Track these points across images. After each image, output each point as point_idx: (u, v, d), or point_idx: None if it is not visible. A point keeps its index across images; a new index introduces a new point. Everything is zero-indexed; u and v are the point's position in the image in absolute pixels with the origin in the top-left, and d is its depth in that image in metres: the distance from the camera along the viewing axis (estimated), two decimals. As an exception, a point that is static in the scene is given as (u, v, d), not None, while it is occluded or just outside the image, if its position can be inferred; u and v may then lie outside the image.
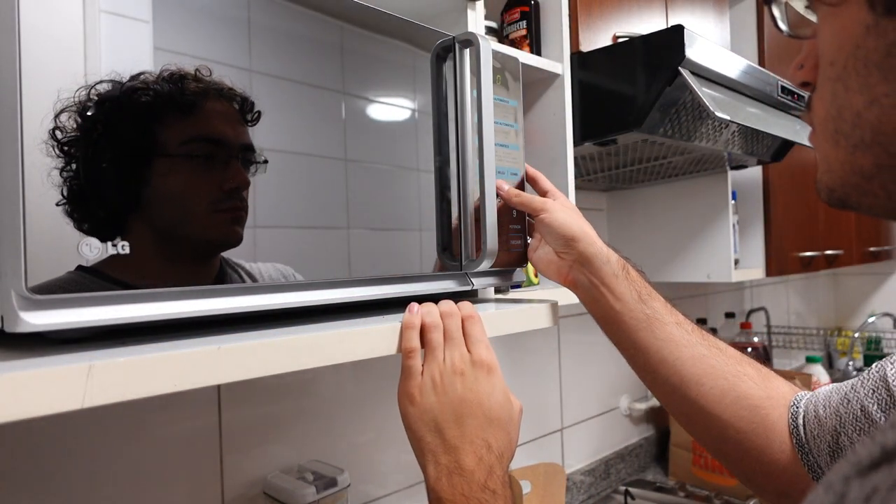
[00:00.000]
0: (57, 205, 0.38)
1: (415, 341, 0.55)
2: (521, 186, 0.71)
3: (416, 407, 0.54)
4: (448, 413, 0.53)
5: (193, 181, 0.45)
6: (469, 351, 0.56)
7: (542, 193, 0.72)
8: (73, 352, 0.40)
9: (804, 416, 0.57)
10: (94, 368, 0.37)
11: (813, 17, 0.37)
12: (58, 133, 0.38)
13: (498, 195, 0.66)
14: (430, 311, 0.57)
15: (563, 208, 0.67)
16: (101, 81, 0.40)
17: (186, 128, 0.45)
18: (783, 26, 0.40)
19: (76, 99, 0.39)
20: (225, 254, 0.48)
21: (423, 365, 0.56)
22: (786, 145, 1.37)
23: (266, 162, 0.49)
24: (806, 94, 0.39)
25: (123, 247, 0.41)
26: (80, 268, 0.39)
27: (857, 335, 2.39)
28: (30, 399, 0.34)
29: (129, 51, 0.42)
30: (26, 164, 0.37)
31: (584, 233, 0.65)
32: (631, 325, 0.64)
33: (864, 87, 0.32)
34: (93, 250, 0.40)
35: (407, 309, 0.57)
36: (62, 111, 0.38)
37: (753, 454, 0.59)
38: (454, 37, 0.65)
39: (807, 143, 1.23)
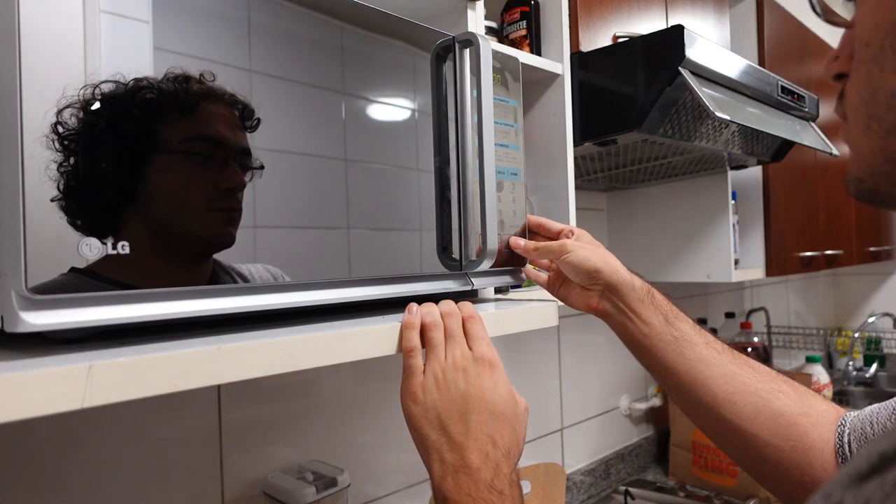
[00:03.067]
0: (52, 200, 0.38)
1: (415, 340, 0.55)
2: (523, 190, 0.71)
3: (420, 405, 0.54)
4: (452, 410, 0.53)
5: (191, 178, 0.46)
6: (470, 348, 0.56)
7: (555, 235, 0.73)
8: (73, 352, 0.40)
9: (849, 435, 0.56)
10: (94, 368, 0.37)
11: (849, 9, 0.36)
12: (59, 128, 0.38)
13: (515, 251, 0.69)
14: (430, 310, 0.57)
15: (581, 245, 0.68)
16: (105, 81, 0.40)
17: (188, 126, 0.45)
18: (819, 10, 0.39)
19: (81, 96, 0.39)
20: (218, 255, 0.48)
21: (424, 364, 0.56)
22: (786, 145, 1.37)
23: (262, 167, 0.50)
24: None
25: (123, 247, 0.41)
26: (73, 269, 0.39)
27: (857, 335, 2.39)
28: (30, 399, 0.34)
29: (129, 51, 0.42)
30: (27, 164, 0.37)
31: (607, 263, 0.67)
32: (660, 347, 0.65)
33: None
34: (93, 250, 0.40)
35: (406, 309, 0.56)
36: (66, 107, 0.39)
37: (794, 474, 0.58)
38: (454, 37, 0.65)
39: (806, 143, 1.23)
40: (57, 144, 0.38)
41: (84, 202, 0.39)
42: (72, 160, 0.39)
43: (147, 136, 0.43)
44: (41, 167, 0.38)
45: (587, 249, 0.67)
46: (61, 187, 0.38)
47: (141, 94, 0.42)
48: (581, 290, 0.69)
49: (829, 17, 0.39)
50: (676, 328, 0.65)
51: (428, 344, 0.56)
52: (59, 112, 0.38)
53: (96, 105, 0.40)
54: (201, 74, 0.46)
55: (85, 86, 0.39)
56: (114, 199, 0.41)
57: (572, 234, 0.71)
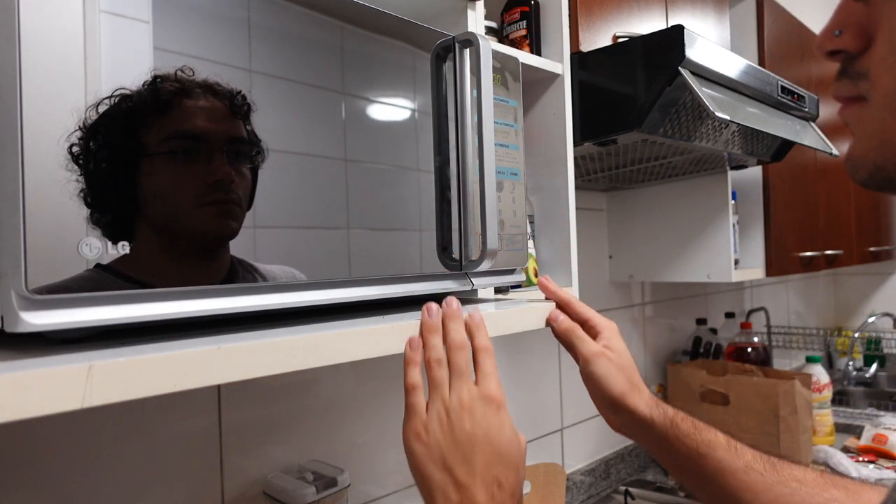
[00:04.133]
0: (87, 217, 0.40)
1: (416, 378, 0.54)
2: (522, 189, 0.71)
3: (423, 445, 0.52)
4: (456, 450, 0.52)
5: (177, 177, 0.45)
6: (478, 383, 0.55)
7: (581, 321, 0.68)
8: (73, 352, 0.40)
9: None
10: (94, 368, 0.37)
11: None
12: (74, 148, 0.40)
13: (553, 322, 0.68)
14: (433, 344, 0.55)
15: (607, 362, 0.65)
16: (104, 98, 0.41)
17: (165, 126, 0.45)
18: None
19: (87, 116, 0.40)
20: (242, 256, 0.48)
21: (427, 401, 0.54)
22: (786, 145, 1.37)
23: (259, 153, 0.49)
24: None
25: (123, 246, 0.41)
26: (97, 266, 0.41)
27: (857, 335, 2.39)
28: (30, 399, 0.34)
29: (129, 51, 0.42)
30: (26, 164, 0.37)
31: (624, 399, 0.64)
32: (696, 477, 0.62)
33: None
34: (93, 250, 0.40)
35: (406, 343, 0.54)
36: (78, 129, 0.40)
37: None
38: (454, 37, 0.65)
39: (806, 143, 1.23)
40: (72, 164, 0.40)
41: (100, 214, 0.41)
42: (83, 176, 0.40)
43: (132, 144, 0.43)
44: (43, 169, 0.38)
45: (610, 373, 0.64)
46: (86, 203, 0.40)
47: (121, 104, 0.42)
48: (605, 409, 0.67)
49: None
50: (710, 459, 0.60)
51: (431, 382, 0.54)
52: (70, 134, 0.40)
53: (92, 123, 0.41)
54: (178, 71, 0.45)
55: (89, 106, 0.41)
56: (120, 208, 0.42)
57: (598, 334, 0.67)
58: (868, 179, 0.35)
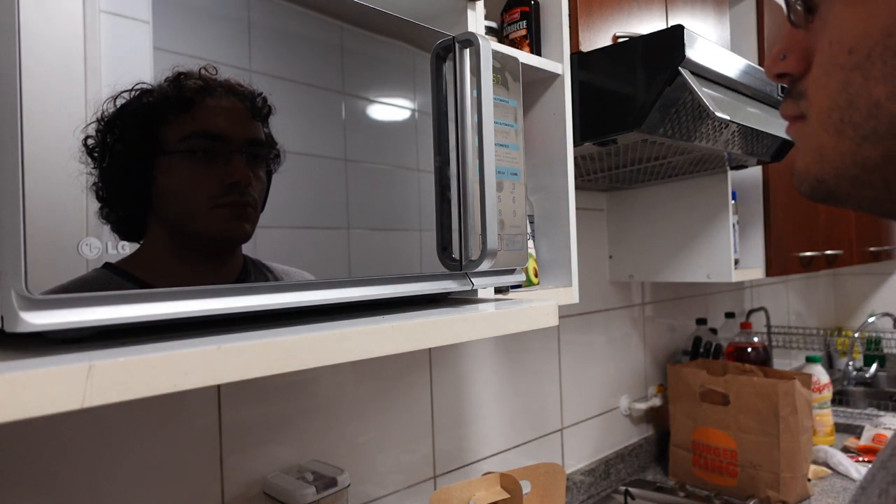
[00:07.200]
0: (97, 212, 0.40)
1: None
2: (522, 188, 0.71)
3: None
4: None
5: (193, 177, 0.45)
6: None
7: None
8: (73, 352, 0.40)
9: None
10: (94, 368, 0.37)
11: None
12: (89, 141, 0.40)
13: None
14: None
15: None
16: (125, 90, 0.42)
17: (185, 124, 0.45)
18: (797, 8, 0.38)
19: (104, 109, 0.41)
20: (257, 256, 0.48)
21: None
22: (786, 145, 1.37)
23: (277, 156, 0.50)
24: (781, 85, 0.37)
25: (123, 246, 0.41)
26: (106, 265, 0.41)
27: (857, 335, 2.39)
28: (30, 399, 0.34)
29: (129, 51, 0.42)
30: (27, 164, 0.37)
31: None
32: None
33: (889, 77, 0.31)
34: (93, 250, 0.40)
35: None
36: (92, 122, 0.40)
37: None
38: (454, 37, 0.65)
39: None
40: (87, 157, 0.40)
41: (110, 209, 0.41)
42: (97, 170, 0.40)
43: (150, 140, 0.43)
44: (43, 169, 0.38)
45: None
46: (96, 197, 0.40)
47: (142, 99, 0.43)
48: None
49: (794, 18, 0.38)
50: None
51: None
52: (86, 126, 0.40)
53: (109, 117, 0.41)
54: (202, 69, 0.46)
55: (108, 98, 0.41)
56: (132, 204, 0.42)
57: None
58: (811, 192, 0.37)
